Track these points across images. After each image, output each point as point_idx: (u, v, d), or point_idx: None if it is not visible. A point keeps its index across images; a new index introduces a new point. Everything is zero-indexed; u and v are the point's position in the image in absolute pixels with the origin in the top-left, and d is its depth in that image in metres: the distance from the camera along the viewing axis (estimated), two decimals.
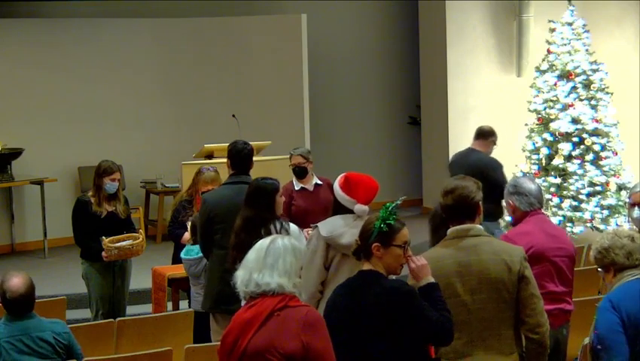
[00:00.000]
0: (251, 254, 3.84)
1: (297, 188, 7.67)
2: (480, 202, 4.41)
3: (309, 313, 3.73)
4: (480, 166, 8.13)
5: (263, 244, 3.84)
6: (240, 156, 6.47)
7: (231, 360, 3.72)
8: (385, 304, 3.92)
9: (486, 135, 8.72)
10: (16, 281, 4.84)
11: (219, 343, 3.88)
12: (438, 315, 3.98)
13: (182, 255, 6.97)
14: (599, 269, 4.36)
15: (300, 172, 7.69)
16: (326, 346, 3.71)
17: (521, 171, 10.41)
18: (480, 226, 4.39)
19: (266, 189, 5.80)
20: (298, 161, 7.71)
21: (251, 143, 9.32)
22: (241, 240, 5.73)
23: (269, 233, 5.69)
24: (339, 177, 5.64)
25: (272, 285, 3.72)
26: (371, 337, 3.93)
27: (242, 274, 3.80)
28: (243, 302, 3.88)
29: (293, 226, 5.84)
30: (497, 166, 8.45)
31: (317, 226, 5.45)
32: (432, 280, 4.12)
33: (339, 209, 5.52)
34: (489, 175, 7.98)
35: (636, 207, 5.45)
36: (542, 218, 5.23)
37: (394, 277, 4.16)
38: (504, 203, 5.66)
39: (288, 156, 7.86)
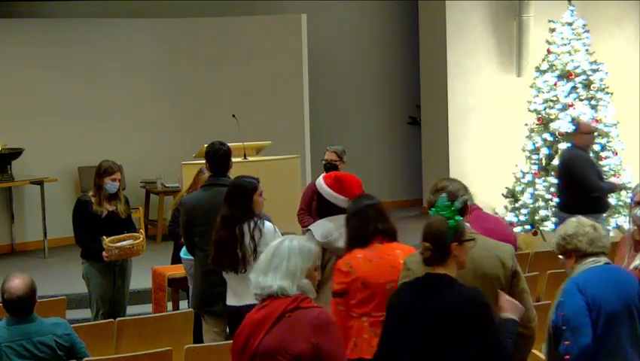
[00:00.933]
0: (262, 256, 3.84)
1: None
2: (468, 201, 4.45)
3: (320, 315, 3.72)
4: (564, 162, 8.66)
5: (270, 247, 3.84)
6: (217, 157, 6.48)
7: (244, 357, 3.72)
8: (460, 310, 3.84)
9: (578, 129, 8.84)
10: (16, 283, 4.81)
11: (215, 343, 3.90)
12: (507, 341, 3.94)
13: (182, 254, 7.03)
14: (560, 256, 4.50)
15: (331, 169, 7.58)
16: (336, 348, 3.70)
17: (521, 171, 10.42)
18: (468, 224, 4.37)
19: (244, 188, 5.83)
20: (331, 158, 7.76)
21: (251, 143, 9.44)
22: (220, 237, 5.78)
23: (242, 232, 5.74)
24: (322, 177, 5.62)
25: (274, 287, 3.72)
26: (437, 341, 3.85)
27: (253, 277, 3.82)
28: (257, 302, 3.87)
29: (268, 225, 5.85)
30: (579, 164, 8.44)
31: (309, 230, 5.42)
32: (516, 318, 4.11)
33: (327, 208, 5.45)
34: (572, 172, 8.44)
35: (639, 207, 5.45)
36: (479, 214, 5.31)
37: None
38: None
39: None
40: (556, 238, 4.49)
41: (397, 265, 4.70)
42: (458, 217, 3.98)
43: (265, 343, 3.67)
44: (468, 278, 4.21)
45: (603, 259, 4.42)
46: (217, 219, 5.84)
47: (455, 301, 3.84)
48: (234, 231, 5.75)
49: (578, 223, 4.47)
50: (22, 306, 4.84)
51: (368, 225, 4.91)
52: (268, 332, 3.68)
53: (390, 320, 3.92)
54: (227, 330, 6.31)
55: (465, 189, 4.50)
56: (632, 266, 5.33)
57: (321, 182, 5.56)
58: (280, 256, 3.77)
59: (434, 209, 4.03)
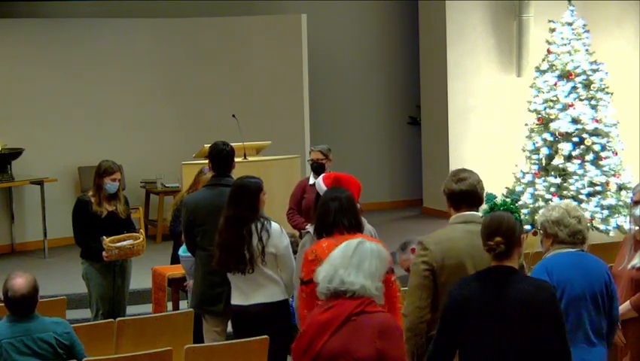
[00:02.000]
0: (337, 252, 3.84)
1: (310, 183, 7.74)
2: (483, 194, 4.60)
3: (385, 320, 3.73)
4: None
5: (350, 243, 3.85)
6: (220, 157, 6.48)
7: (306, 357, 3.72)
8: (536, 299, 3.91)
9: None
10: (19, 281, 4.84)
11: (215, 343, 3.89)
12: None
13: (180, 252, 7.04)
14: (541, 231, 4.66)
15: (318, 168, 7.78)
16: (401, 354, 3.72)
17: (521, 171, 10.42)
18: (481, 214, 4.50)
19: (249, 188, 5.81)
20: (317, 157, 7.83)
21: (251, 143, 9.44)
22: (224, 239, 5.77)
23: (250, 232, 5.73)
24: (321, 177, 5.68)
25: (357, 285, 3.72)
26: (513, 332, 3.90)
27: (326, 268, 3.80)
28: (322, 298, 3.85)
29: (275, 226, 5.85)
30: None
31: (309, 232, 5.46)
32: None
33: None
34: None
35: (639, 206, 5.45)
36: None
37: None
38: None
39: (308, 151, 7.93)
40: (541, 217, 4.62)
41: None
42: (519, 211, 4.13)
43: (329, 346, 3.67)
44: (483, 265, 4.27)
45: (576, 250, 4.58)
46: (220, 221, 5.81)
47: (530, 290, 3.91)
48: (241, 232, 5.73)
49: (565, 211, 4.57)
50: (26, 304, 4.87)
51: (329, 216, 5.12)
52: (333, 335, 3.67)
53: (455, 314, 3.94)
54: (231, 329, 6.32)
55: (481, 182, 4.66)
56: (630, 265, 5.34)
57: (320, 182, 5.62)
58: (362, 255, 3.79)
59: (489, 206, 4.15)
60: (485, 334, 3.90)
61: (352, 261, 3.77)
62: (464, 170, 4.72)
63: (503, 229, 4.00)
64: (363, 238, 3.91)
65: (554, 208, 4.66)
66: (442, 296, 4.35)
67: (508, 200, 4.15)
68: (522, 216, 4.16)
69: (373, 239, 5.09)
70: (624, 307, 5.30)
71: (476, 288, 3.98)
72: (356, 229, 5.16)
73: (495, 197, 4.19)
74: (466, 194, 4.59)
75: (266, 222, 5.79)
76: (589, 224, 9.92)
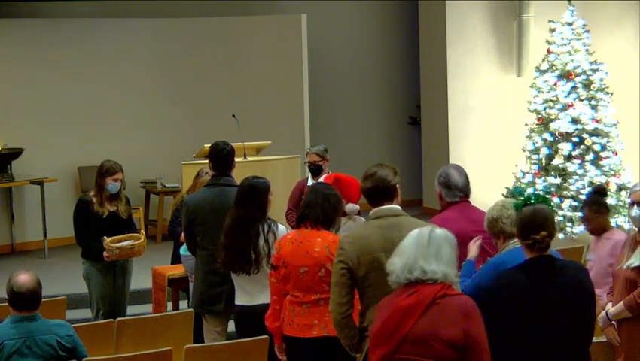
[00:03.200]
0: (409, 241, 3.89)
1: (309, 183, 7.76)
2: (398, 186, 4.76)
3: (467, 302, 3.82)
4: None
5: (422, 232, 3.90)
6: (220, 157, 6.48)
7: (389, 345, 3.77)
8: (579, 283, 4.12)
9: None
10: (23, 277, 4.89)
11: (215, 343, 3.89)
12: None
13: (181, 251, 7.06)
14: (494, 240, 4.79)
15: (315, 170, 7.82)
16: (483, 334, 3.79)
17: (521, 171, 10.43)
18: (399, 207, 4.73)
19: (258, 188, 5.83)
20: (314, 159, 7.85)
21: (251, 143, 9.44)
22: (230, 239, 5.77)
23: (257, 233, 5.74)
24: (323, 178, 5.76)
25: (439, 274, 3.79)
26: (565, 315, 4.08)
27: (402, 260, 3.85)
28: (396, 286, 3.91)
29: (281, 228, 5.88)
30: None
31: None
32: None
33: None
34: None
35: (635, 206, 5.47)
36: (466, 205, 5.48)
37: None
38: None
39: (305, 153, 7.97)
40: (485, 222, 4.77)
41: (311, 251, 5.22)
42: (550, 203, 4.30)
43: (417, 329, 3.74)
44: (384, 259, 4.41)
45: None
46: (227, 221, 5.82)
47: (574, 274, 4.14)
48: (248, 232, 5.75)
49: (502, 206, 4.72)
50: (32, 299, 4.90)
51: (303, 208, 5.36)
52: (419, 318, 3.74)
53: (509, 309, 4.07)
54: (231, 329, 6.32)
55: (395, 173, 4.81)
56: (625, 265, 5.35)
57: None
58: (437, 243, 3.85)
59: (521, 200, 4.27)
60: (542, 322, 4.04)
61: (429, 250, 3.83)
62: (375, 165, 4.87)
63: (548, 223, 4.15)
64: (432, 226, 3.97)
65: (492, 208, 4.80)
66: (366, 289, 4.60)
67: (540, 193, 4.24)
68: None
69: None
70: (618, 307, 5.34)
71: (526, 280, 4.09)
72: (322, 224, 5.31)
73: (523, 190, 4.30)
74: (374, 190, 4.73)
75: (273, 224, 5.81)
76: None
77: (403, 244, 3.92)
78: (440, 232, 3.90)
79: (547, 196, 4.26)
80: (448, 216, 5.38)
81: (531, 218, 4.17)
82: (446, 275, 3.81)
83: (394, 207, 4.76)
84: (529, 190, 4.35)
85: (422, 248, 3.84)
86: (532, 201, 4.24)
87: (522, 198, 4.30)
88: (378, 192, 4.74)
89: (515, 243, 4.63)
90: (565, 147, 10.08)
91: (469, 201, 5.56)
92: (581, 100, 10.26)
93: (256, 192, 5.81)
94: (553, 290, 4.07)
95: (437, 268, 3.79)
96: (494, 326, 4.00)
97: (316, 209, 5.31)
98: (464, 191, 5.49)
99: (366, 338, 4.71)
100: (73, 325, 5.27)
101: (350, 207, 5.91)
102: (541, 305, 4.06)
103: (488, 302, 4.09)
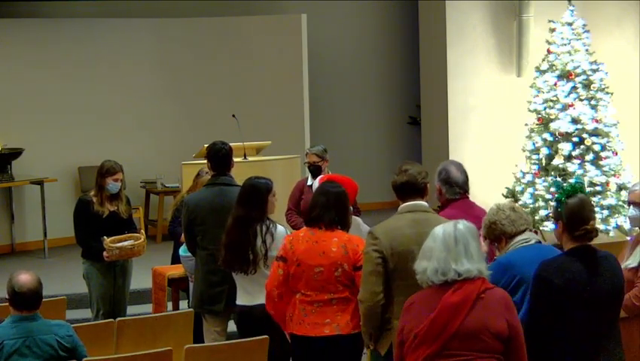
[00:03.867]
0: (436, 244, 3.93)
1: (308, 183, 7.78)
2: (428, 185, 5.01)
3: (504, 294, 3.98)
4: None
5: (447, 231, 3.94)
6: (218, 157, 6.49)
7: (438, 343, 3.85)
8: (618, 271, 4.32)
9: None
10: (24, 277, 4.90)
11: (215, 343, 3.91)
12: None
13: (181, 252, 7.05)
14: (495, 244, 4.79)
15: (315, 170, 7.81)
16: (520, 325, 3.94)
17: (521, 171, 10.42)
18: (426, 204, 4.96)
19: (259, 189, 5.83)
20: (313, 159, 7.85)
21: (251, 143, 9.44)
22: (231, 239, 5.77)
23: (254, 234, 5.74)
24: (318, 180, 5.79)
25: (474, 271, 3.88)
26: (608, 302, 4.25)
27: (433, 264, 3.91)
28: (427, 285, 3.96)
29: (280, 229, 5.87)
30: None
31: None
32: None
33: None
34: None
35: (631, 207, 5.47)
36: (466, 202, 5.54)
37: None
38: None
39: (304, 154, 7.97)
40: (483, 229, 4.76)
41: (328, 251, 5.21)
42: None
43: (467, 324, 3.84)
44: (416, 252, 4.47)
45: (533, 239, 4.67)
46: (229, 221, 5.83)
47: (614, 264, 4.31)
48: (247, 232, 5.75)
49: (497, 209, 4.76)
50: (33, 299, 4.91)
51: (315, 209, 5.33)
52: (468, 314, 3.84)
53: (563, 296, 4.15)
54: (231, 329, 6.32)
55: (426, 173, 5.04)
56: (623, 266, 5.35)
57: (317, 184, 5.68)
58: (464, 240, 3.91)
59: (570, 189, 4.34)
60: (592, 309, 4.17)
61: (458, 250, 3.90)
62: (407, 162, 5.10)
63: (593, 212, 4.32)
64: (454, 222, 4.01)
65: (488, 213, 4.83)
66: (393, 282, 4.70)
67: (578, 182, 4.42)
68: None
69: (356, 238, 5.22)
70: None
71: (579, 266, 4.20)
72: (338, 225, 5.34)
73: (562, 184, 4.38)
74: (407, 185, 4.93)
75: (271, 226, 5.80)
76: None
77: (428, 245, 3.96)
78: (462, 227, 3.96)
79: (584, 186, 4.36)
80: (451, 214, 5.36)
81: (581, 209, 4.27)
82: (480, 271, 3.91)
83: (424, 203, 4.97)
84: (570, 182, 4.42)
85: (451, 249, 3.90)
86: (575, 190, 4.33)
87: (562, 190, 4.36)
88: (410, 188, 4.94)
89: (518, 242, 4.66)
90: (565, 147, 10.08)
91: (468, 198, 5.60)
92: (581, 100, 10.25)
93: (256, 192, 5.81)
94: (602, 277, 4.21)
95: (470, 267, 3.88)
96: (542, 314, 4.15)
97: (330, 211, 5.31)
98: (464, 188, 5.55)
99: (387, 331, 4.76)
100: (73, 325, 5.27)
101: None
102: (595, 291, 4.17)
103: (537, 291, 4.19)
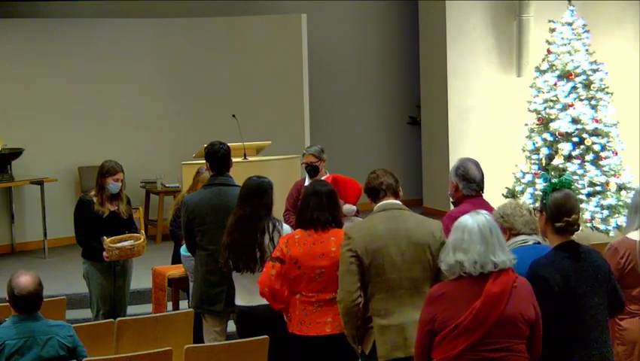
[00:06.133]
0: (471, 236, 4.03)
1: (306, 183, 7.75)
2: (400, 189, 5.13)
3: (528, 282, 4.17)
4: None
5: (483, 224, 4.05)
6: (217, 157, 6.49)
7: (480, 331, 3.97)
8: (602, 263, 4.42)
9: None
10: (24, 279, 4.89)
11: (215, 343, 3.92)
12: None
13: (182, 251, 7.07)
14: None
15: (312, 171, 7.79)
16: (539, 310, 4.13)
17: (521, 171, 10.42)
18: (400, 202, 5.04)
19: (263, 187, 5.83)
20: (310, 160, 7.82)
21: (251, 143, 9.44)
22: (234, 239, 5.76)
23: (262, 231, 5.74)
24: (323, 178, 5.78)
25: (507, 263, 4.05)
26: (595, 294, 4.32)
27: (472, 256, 4.00)
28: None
29: (286, 227, 5.90)
30: None
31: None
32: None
33: None
34: None
35: None
36: (480, 200, 5.57)
37: None
38: None
39: (301, 154, 7.96)
40: (495, 215, 4.82)
41: (328, 252, 5.24)
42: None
43: (508, 312, 3.99)
44: (402, 245, 4.83)
45: (532, 240, 4.75)
46: (230, 221, 5.82)
47: (598, 257, 4.41)
48: (252, 230, 5.75)
49: (517, 206, 4.86)
50: (33, 302, 4.91)
51: (307, 211, 5.34)
52: (508, 302, 3.99)
53: (559, 291, 4.23)
54: (231, 329, 6.32)
55: (397, 180, 5.18)
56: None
57: None
58: (496, 232, 4.07)
59: (552, 184, 4.45)
60: (584, 302, 4.27)
61: (493, 242, 4.04)
62: (379, 169, 5.24)
63: (577, 207, 4.40)
64: (482, 213, 4.11)
65: (505, 205, 4.91)
66: (370, 279, 4.78)
67: (567, 179, 4.49)
68: None
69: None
70: None
71: (569, 263, 4.30)
72: (332, 224, 5.35)
73: (550, 177, 4.42)
74: (383, 185, 5.06)
75: (277, 223, 5.83)
76: (588, 224, 10.00)
77: (463, 237, 4.04)
78: (490, 218, 4.11)
79: (572, 183, 4.43)
80: (465, 209, 5.38)
81: (565, 201, 4.37)
82: (511, 261, 4.07)
83: (397, 202, 5.03)
84: (555, 178, 4.48)
85: (488, 242, 4.03)
86: (563, 185, 4.42)
87: (550, 183, 4.45)
88: (385, 187, 5.04)
89: (516, 242, 4.72)
90: (565, 147, 10.08)
91: (482, 196, 5.64)
92: (581, 100, 10.25)
93: (263, 191, 5.82)
94: (587, 271, 4.31)
95: (504, 258, 4.04)
96: (548, 312, 4.22)
97: (324, 212, 5.31)
98: (481, 185, 5.60)
99: (370, 330, 4.80)
100: (73, 325, 5.27)
101: (347, 208, 5.93)
102: (583, 285, 4.28)
103: (546, 291, 4.26)
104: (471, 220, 4.06)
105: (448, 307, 4.02)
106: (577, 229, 4.40)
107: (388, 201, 5.02)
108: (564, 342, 4.27)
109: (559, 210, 4.37)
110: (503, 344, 3.99)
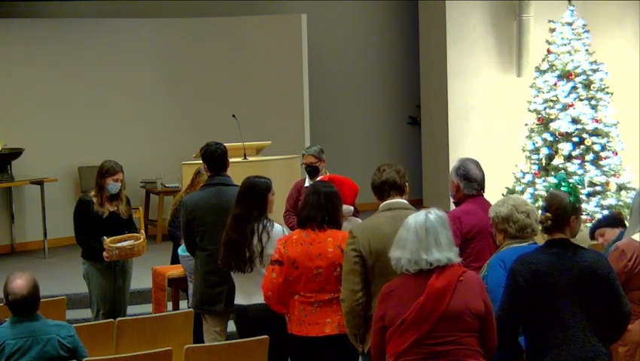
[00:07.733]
0: (408, 234, 4.10)
1: (306, 184, 7.76)
2: (406, 184, 5.12)
3: (478, 276, 4.28)
4: None
5: (417, 221, 4.11)
6: (214, 157, 6.50)
7: (425, 326, 4.03)
8: (596, 265, 4.32)
9: None
10: (19, 283, 4.86)
11: (215, 343, 3.94)
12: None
13: (180, 251, 7.07)
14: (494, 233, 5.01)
15: (312, 171, 7.79)
16: (491, 303, 4.18)
17: (521, 171, 10.42)
18: (406, 201, 5.07)
19: (259, 187, 5.83)
20: (310, 160, 7.82)
21: (251, 143, 9.44)
22: (230, 237, 5.78)
23: (252, 232, 5.75)
24: (319, 178, 5.79)
25: (444, 260, 4.07)
26: (580, 295, 4.27)
27: (406, 254, 4.08)
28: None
29: (277, 227, 5.87)
30: None
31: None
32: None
33: None
34: None
35: None
36: (481, 199, 5.63)
37: None
38: None
39: (301, 155, 7.96)
40: (492, 213, 4.88)
41: (325, 252, 5.24)
42: (577, 194, 4.47)
43: (453, 306, 4.04)
44: None
45: (525, 244, 4.76)
46: (228, 219, 5.84)
47: (591, 257, 4.33)
48: (245, 230, 5.76)
49: (513, 207, 4.83)
50: (28, 305, 4.89)
51: (305, 210, 5.36)
52: (453, 296, 4.04)
53: (531, 287, 4.25)
54: (231, 329, 6.32)
55: (404, 174, 5.16)
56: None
57: None
58: (434, 231, 4.09)
59: (556, 182, 4.50)
60: (562, 299, 4.25)
61: (429, 241, 4.08)
62: (385, 164, 5.19)
63: (554, 207, 4.37)
64: (424, 213, 4.14)
65: (503, 204, 4.89)
66: (373, 279, 4.80)
67: (571, 182, 4.51)
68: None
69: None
70: None
71: (548, 259, 4.29)
72: (329, 225, 5.34)
73: (565, 177, 4.48)
74: (387, 183, 5.04)
75: (268, 224, 5.81)
76: (588, 224, 9.99)
77: (402, 235, 4.11)
78: (433, 217, 4.11)
79: (572, 187, 4.45)
80: (467, 208, 5.53)
81: (546, 200, 4.46)
82: (449, 259, 4.09)
83: (403, 200, 5.06)
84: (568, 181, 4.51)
85: (421, 241, 4.06)
86: (561, 187, 4.45)
87: (564, 183, 4.49)
88: (390, 186, 5.03)
89: (516, 242, 4.75)
90: (565, 147, 10.08)
91: (483, 196, 5.67)
92: (581, 100, 10.25)
93: (255, 191, 5.82)
94: (577, 268, 4.27)
95: (440, 256, 4.06)
96: (510, 305, 4.27)
97: (321, 211, 5.32)
98: (482, 185, 5.63)
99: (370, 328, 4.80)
100: (73, 325, 5.27)
101: (345, 208, 5.93)
102: (566, 281, 4.25)
103: (507, 283, 4.32)
104: (412, 219, 4.13)
105: (396, 303, 4.09)
106: (552, 228, 4.37)
107: (393, 200, 5.03)
108: (540, 338, 4.29)
109: (542, 206, 4.47)
110: (450, 337, 4.03)
